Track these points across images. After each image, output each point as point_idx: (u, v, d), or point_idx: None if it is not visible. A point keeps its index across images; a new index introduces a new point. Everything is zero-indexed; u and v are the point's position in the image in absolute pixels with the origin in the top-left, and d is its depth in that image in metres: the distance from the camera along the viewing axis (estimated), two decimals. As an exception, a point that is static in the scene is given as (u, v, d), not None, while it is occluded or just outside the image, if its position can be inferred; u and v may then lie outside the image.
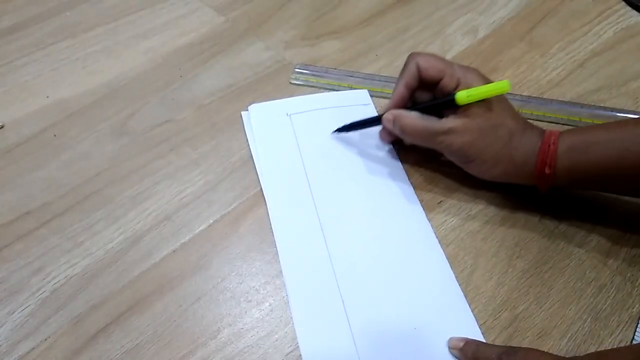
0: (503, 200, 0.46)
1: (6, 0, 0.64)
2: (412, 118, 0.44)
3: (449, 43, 0.60)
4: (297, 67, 0.57)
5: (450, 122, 0.42)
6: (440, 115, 0.43)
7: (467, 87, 0.42)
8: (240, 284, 0.41)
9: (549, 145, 0.40)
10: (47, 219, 0.45)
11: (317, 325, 0.39)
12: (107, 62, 0.58)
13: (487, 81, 0.43)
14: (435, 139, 0.43)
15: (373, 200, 0.46)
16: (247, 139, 0.50)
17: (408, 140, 0.45)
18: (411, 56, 0.45)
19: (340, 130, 0.49)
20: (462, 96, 0.41)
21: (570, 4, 0.65)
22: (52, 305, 0.40)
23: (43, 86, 0.56)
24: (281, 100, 0.53)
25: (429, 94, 0.46)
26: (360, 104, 0.53)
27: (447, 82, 0.43)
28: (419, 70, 0.44)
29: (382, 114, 0.46)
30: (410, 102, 0.46)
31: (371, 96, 0.54)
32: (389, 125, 0.45)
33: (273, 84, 0.56)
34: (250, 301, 0.40)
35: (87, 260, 0.42)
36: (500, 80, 0.41)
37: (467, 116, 0.42)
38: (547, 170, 0.40)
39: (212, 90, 0.55)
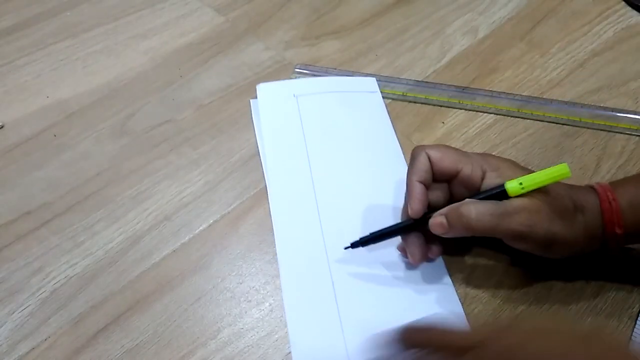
0: (503, 200, 0.46)
1: (6, 0, 0.64)
2: (477, 205, 0.35)
3: (448, 43, 0.60)
4: (297, 67, 0.57)
5: (516, 201, 0.35)
6: None
7: (498, 174, 0.37)
8: (240, 284, 0.41)
9: (610, 203, 0.36)
10: (47, 219, 0.45)
11: (309, 328, 0.38)
12: (107, 62, 0.58)
13: (518, 166, 0.38)
14: (510, 220, 0.35)
15: (376, 195, 0.45)
16: (247, 138, 0.50)
17: (468, 233, 0.36)
18: (418, 149, 0.39)
19: (355, 245, 0.40)
20: (514, 187, 0.35)
21: (570, 4, 0.65)
22: (52, 305, 0.40)
23: (43, 86, 0.56)
24: (289, 80, 0.54)
25: (439, 192, 0.39)
26: (367, 91, 0.54)
27: (469, 172, 0.37)
28: (431, 162, 0.38)
29: (418, 219, 0.38)
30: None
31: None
32: (443, 229, 0.36)
33: (273, 84, 0.56)
34: (250, 301, 0.40)
35: (87, 260, 0.42)
36: (558, 165, 0.35)
37: (526, 195, 0.35)
38: (617, 231, 0.36)
39: (212, 90, 0.55)
